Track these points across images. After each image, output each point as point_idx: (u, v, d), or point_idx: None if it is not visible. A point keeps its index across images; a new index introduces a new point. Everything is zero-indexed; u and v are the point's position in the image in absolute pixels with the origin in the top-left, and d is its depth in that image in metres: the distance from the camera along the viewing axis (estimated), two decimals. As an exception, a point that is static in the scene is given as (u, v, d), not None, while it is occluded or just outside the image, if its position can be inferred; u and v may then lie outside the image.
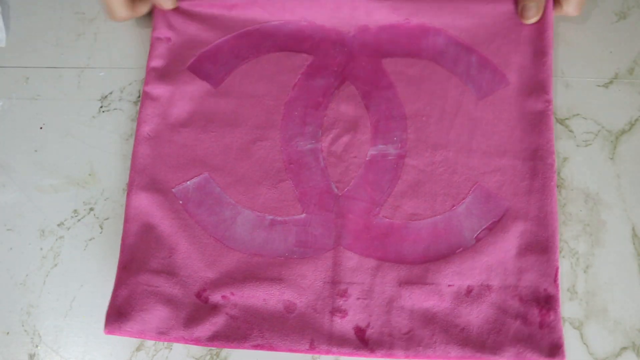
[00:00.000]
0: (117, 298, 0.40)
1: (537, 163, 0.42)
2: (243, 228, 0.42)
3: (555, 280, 0.40)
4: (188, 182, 0.43)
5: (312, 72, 0.46)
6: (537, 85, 0.44)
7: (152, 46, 0.46)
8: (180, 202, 0.42)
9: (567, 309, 0.41)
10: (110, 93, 0.47)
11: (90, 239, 0.44)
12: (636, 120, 0.45)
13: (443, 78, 0.45)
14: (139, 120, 0.44)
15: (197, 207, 0.42)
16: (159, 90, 0.45)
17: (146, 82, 0.45)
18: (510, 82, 0.44)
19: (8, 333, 0.42)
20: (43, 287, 0.43)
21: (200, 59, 0.46)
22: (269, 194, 0.43)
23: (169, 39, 0.47)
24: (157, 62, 0.46)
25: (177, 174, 0.43)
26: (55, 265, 0.43)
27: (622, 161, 0.44)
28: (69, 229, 0.44)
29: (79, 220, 0.44)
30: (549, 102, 0.43)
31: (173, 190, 0.43)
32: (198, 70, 0.46)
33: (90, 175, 0.45)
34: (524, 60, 0.45)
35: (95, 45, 0.48)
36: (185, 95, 0.45)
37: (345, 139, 0.44)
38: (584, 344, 0.41)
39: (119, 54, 0.48)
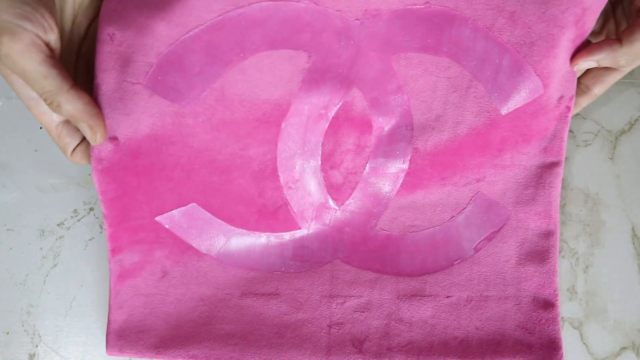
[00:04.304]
0: (114, 322, 0.39)
1: (544, 171, 0.40)
2: (238, 246, 0.40)
3: (555, 290, 0.39)
4: (174, 211, 0.39)
5: (314, 78, 0.37)
6: (565, 91, 0.38)
7: (97, 51, 0.35)
8: (167, 226, 0.39)
9: (567, 309, 0.41)
10: (110, 93, 0.47)
11: (90, 239, 0.44)
12: (636, 120, 0.45)
13: (463, 84, 0.37)
14: (92, 152, 0.37)
15: (186, 231, 0.39)
16: (113, 121, 0.36)
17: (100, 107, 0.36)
18: (544, 92, 0.37)
19: (8, 333, 0.42)
20: (43, 287, 0.43)
21: (162, 67, 0.35)
22: (265, 214, 0.40)
23: (112, 35, 0.34)
24: (103, 77, 0.35)
25: (156, 205, 0.38)
26: (55, 265, 0.43)
27: (622, 161, 0.44)
28: (69, 229, 0.44)
29: (79, 220, 0.44)
30: (569, 108, 0.39)
31: (156, 219, 0.39)
32: (161, 85, 0.35)
33: (90, 175, 0.45)
34: (557, 64, 0.37)
35: (95, 45, 0.48)
36: (148, 124, 0.36)
37: (345, 151, 0.40)
38: (584, 343, 0.41)
39: (119, 54, 0.48)
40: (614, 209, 0.43)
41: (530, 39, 0.36)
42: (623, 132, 0.44)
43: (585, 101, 0.40)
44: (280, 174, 0.39)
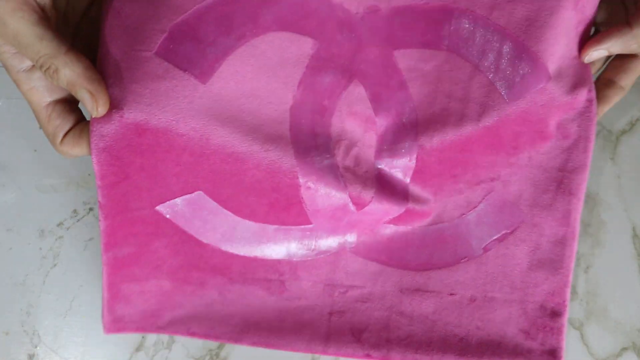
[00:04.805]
0: (110, 308, 0.38)
1: (566, 175, 0.38)
2: (243, 236, 0.38)
3: (564, 301, 0.38)
4: (177, 200, 0.37)
5: (318, 65, 0.36)
6: (578, 81, 0.36)
7: (102, 24, 0.33)
8: (168, 216, 0.37)
9: (568, 309, 0.41)
10: (110, 93, 0.47)
11: (90, 239, 0.43)
12: (636, 120, 0.45)
13: (466, 75, 0.36)
14: (93, 128, 0.34)
15: (188, 219, 0.37)
16: (118, 90, 0.33)
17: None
18: (552, 77, 0.35)
19: (8, 333, 0.42)
20: (43, 287, 0.43)
21: (175, 35, 0.33)
22: (276, 207, 0.38)
23: (120, 8, 0.33)
24: (109, 48, 0.33)
25: (158, 193, 0.36)
26: (55, 265, 0.43)
27: (622, 161, 0.44)
28: (68, 229, 0.44)
29: (78, 220, 0.44)
30: (590, 101, 0.36)
31: (157, 208, 0.37)
32: (173, 53, 0.33)
33: (90, 175, 0.45)
34: (559, 48, 0.35)
35: (95, 45, 0.48)
36: (158, 93, 0.33)
37: (354, 151, 0.37)
38: (585, 344, 0.41)
39: (119, 54, 0.48)
40: (614, 209, 0.43)
41: (527, 22, 0.35)
42: (624, 132, 0.44)
43: (613, 96, 0.37)
44: (298, 170, 0.36)
